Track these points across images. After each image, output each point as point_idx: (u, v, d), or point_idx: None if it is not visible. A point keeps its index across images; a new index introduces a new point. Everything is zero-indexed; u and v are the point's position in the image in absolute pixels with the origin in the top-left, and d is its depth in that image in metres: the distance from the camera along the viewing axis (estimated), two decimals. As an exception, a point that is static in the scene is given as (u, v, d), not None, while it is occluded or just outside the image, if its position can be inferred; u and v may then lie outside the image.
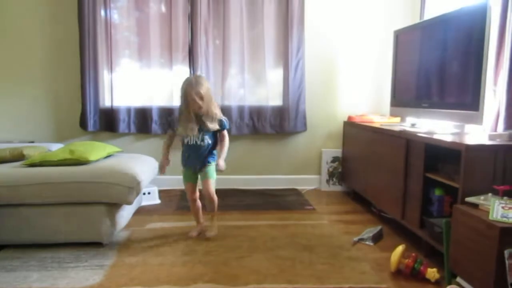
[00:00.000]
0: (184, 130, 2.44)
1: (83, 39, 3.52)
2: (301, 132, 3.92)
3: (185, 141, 2.49)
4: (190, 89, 2.36)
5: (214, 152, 2.57)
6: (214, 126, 2.46)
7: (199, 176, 2.58)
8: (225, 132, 2.56)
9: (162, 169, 2.58)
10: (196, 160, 2.50)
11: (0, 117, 3.69)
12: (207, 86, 2.43)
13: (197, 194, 2.60)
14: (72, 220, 2.40)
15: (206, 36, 3.66)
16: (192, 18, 3.62)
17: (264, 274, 2.09)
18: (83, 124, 3.65)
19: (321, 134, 3.96)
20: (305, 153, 3.97)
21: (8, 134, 3.68)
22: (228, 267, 2.17)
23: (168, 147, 2.59)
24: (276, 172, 3.97)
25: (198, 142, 2.47)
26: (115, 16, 3.62)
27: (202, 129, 2.45)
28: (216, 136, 2.55)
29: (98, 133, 3.76)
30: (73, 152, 2.60)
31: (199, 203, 2.63)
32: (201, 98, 2.36)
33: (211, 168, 2.54)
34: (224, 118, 2.53)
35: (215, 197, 2.57)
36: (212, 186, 2.55)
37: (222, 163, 2.49)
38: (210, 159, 2.54)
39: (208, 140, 2.48)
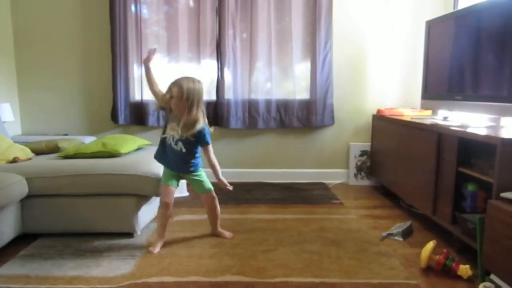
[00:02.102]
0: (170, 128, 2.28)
1: (114, 35, 3.61)
2: (329, 126, 3.88)
3: (164, 136, 2.31)
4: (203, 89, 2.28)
5: (194, 162, 2.34)
6: (187, 134, 2.22)
7: (194, 188, 2.44)
8: (208, 147, 2.31)
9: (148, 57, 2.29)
10: (174, 163, 2.33)
11: (36, 111, 3.83)
12: (187, 88, 2.19)
13: (173, 200, 2.35)
14: (104, 210, 2.47)
15: (233, 30, 3.67)
16: (220, 12, 3.64)
17: (291, 268, 2.09)
18: (114, 117, 3.74)
19: (349, 128, 3.91)
20: (333, 147, 3.94)
21: (43, 128, 3.82)
22: (255, 260, 2.18)
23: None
24: (303, 166, 3.95)
25: (172, 145, 2.28)
26: (144, 11, 3.68)
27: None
28: (195, 148, 2.31)
29: (129, 126, 3.84)
30: (105, 145, 2.67)
31: (171, 211, 2.36)
32: (171, 97, 2.20)
33: (204, 175, 2.41)
34: (204, 130, 2.26)
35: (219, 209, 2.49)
36: (216, 201, 2.45)
37: (223, 179, 2.36)
38: (192, 168, 2.35)
39: (181, 146, 2.25)
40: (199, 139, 2.28)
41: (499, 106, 2.23)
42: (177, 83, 2.21)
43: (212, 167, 2.35)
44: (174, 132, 2.25)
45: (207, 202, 2.46)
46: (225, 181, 2.38)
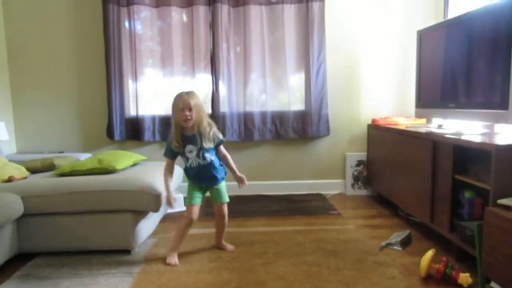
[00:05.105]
0: (181, 150, 2.32)
1: (109, 51, 3.62)
2: (324, 137, 3.89)
3: (188, 163, 2.35)
4: (178, 100, 2.25)
5: (222, 167, 2.44)
6: (209, 143, 2.31)
7: (212, 197, 2.46)
8: (221, 148, 2.40)
9: (170, 204, 2.34)
10: (205, 179, 2.38)
11: (31, 129, 3.82)
12: (198, 100, 2.29)
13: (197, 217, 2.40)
14: (101, 227, 2.45)
15: (227, 43, 3.70)
16: (213, 26, 3.66)
17: (291, 280, 2.08)
18: (109, 133, 3.73)
19: (345, 138, 3.93)
20: (329, 157, 3.94)
21: (38, 146, 3.81)
22: (254, 273, 2.17)
23: (169, 179, 2.37)
24: (300, 177, 3.95)
25: (201, 163, 2.32)
26: (138, 27, 3.70)
27: (201, 148, 2.29)
28: (216, 153, 2.39)
29: (124, 142, 3.84)
30: (101, 161, 2.67)
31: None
32: (190, 109, 2.22)
33: (224, 188, 2.46)
34: (218, 133, 2.36)
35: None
36: (226, 212, 2.50)
37: (241, 175, 2.43)
38: (222, 174, 2.43)
39: (210, 157, 2.32)
40: (217, 143, 2.37)
41: (492, 113, 2.25)
42: (185, 98, 2.24)
43: (229, 162, 2.44)
44: (194, 152, 2.30)
45: (219, 212, 2.48)
46: (244, 177, 2.47)
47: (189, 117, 2.23)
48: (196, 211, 2.37)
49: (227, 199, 2.48)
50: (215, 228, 2.56)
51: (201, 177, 2.37)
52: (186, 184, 2.52)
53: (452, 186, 2.28)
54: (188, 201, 2.39)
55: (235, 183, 2.47)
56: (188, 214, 2.35)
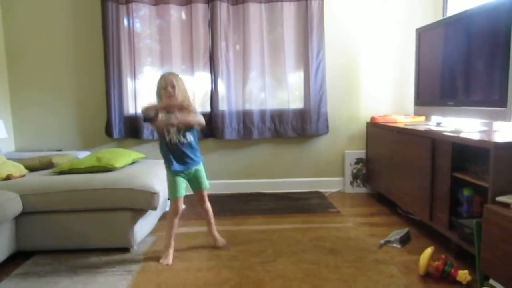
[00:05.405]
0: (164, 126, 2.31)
1: (108, 49, 3.61)
2: (323, 135, 3.89)
3: (167, 138, 2.32)
4: (160, 79, 2.33)
5: (198, 150, 2.44)
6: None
7: (194, 186, 2.47)
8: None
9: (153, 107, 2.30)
10: (181, 159, 2.34)
11: (30, 127, 3.81)
12: (181, 80, 2.35)
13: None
14: (100, 226, 2.45)
15: (226, 42, 3.69)
16: (212, 24, 3.66)
17: (290, 278, 2.08)
18: (108, 131, 3.73)
19: (344, 136, 3.92)
20: (328, 155, 3.94)
21: (37, 144, 3.80)
22: (253, 271, 2.17)
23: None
24: (299, 175, 3.95)
25: (181, 140, 2.33)
26: (137, 25, 3.69)
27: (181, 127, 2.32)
28: (195, 135, 2.41)
29: (123, 140, 3.83)
30: (100, 159, 2.66)
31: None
32: (173, 86, 2.28)
33: (203, 173, 2.47)
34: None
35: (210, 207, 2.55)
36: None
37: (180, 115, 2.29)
38: (199, 157, 2.44)
39: (190, 136, 2.35)
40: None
41: (491, 110, 2.25)
42: (167, 77, 2.32)
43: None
44: (175, 127, 2.31)
45: (201, 198, 2.50)
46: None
47: (172, 94, 2.29)
48: (181, 204, 2.38)
49: (207, 185, 2.49)
50: (205, 222, 2.57)
51: (178, 157, 2.34)
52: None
53: (451, 184, 2.28)
54: (172, 195, 2.37)
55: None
56: (177, 208, 2.36)
